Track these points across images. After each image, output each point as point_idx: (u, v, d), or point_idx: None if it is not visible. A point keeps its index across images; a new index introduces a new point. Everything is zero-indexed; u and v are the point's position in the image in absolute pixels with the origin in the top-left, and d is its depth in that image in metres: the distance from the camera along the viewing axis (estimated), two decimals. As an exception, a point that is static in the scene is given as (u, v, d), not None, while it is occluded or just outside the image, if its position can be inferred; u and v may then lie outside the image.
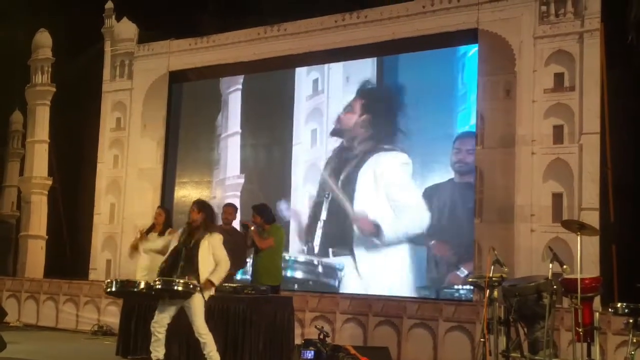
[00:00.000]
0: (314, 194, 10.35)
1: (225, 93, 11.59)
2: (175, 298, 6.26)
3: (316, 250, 10.15)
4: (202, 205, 6.61)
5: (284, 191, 10.65)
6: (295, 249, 10.34)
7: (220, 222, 7.67)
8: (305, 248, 10.27)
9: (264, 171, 11.05)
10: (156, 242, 7.15)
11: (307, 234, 10.30)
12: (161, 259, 7.50)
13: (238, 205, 10.66)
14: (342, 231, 9.97)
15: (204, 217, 6.50)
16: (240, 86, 11.43)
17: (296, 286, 10.04)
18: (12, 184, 14.86)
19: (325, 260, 10.05)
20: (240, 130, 11.32)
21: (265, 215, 7.94)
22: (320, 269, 10.05)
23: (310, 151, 10.59)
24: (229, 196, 11.10)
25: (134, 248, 7.75)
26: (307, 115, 10.70)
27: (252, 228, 7.76)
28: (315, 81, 10.72)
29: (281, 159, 10.83)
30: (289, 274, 10.10)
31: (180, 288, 6.10)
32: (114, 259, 11.80)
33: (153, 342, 6.38)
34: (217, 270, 6.37)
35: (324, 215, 10.12)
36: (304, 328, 8.75)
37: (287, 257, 10.01)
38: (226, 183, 11.36)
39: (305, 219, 10.39)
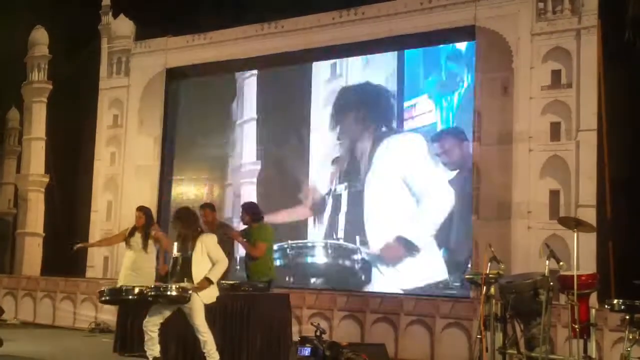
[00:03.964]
0: (333, 180, 10.32)
1: (240, 79, 11.54)
2: (171, 303, 6.28)
3: (337, 237, 10.16)
4: (179, 217, 6.58)
5: (302, 177, 10.65)
6: (315, 237, 10.36)
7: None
8: (324, 235, 10.28)
9: (281, 157, 11.00)
10: None
11: (329, 221, 10.27)
12: (144, 258, 7.58)
13: (254, 192, 10.72)
14: (361, 219, 9.96)
15: (186, 225, 6.49)
16: (256, 72, 11.38)
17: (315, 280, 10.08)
18: (9, 182, 14.84)
19: (346, 246, 10.03)
20: (256, 116, 11.26)
21: (253, 214, 7.89)
22: (340, 257, 10.06)
23: (329, 135, 10.53)
24: (245, 182, 11.15)
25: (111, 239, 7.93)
26: (325, 99, 10.65)
27: (241, 239, 7.67)
28: (334, 65, 10.68)
29: (299, 144, 10.76)
30: (309, 260, 10.26)
31: (173, 293, 6.12)
32: (111, 256, 11.79)
33: (146, 340, 6.39)
34: (213, 268, 6.37)
35: (344, 202, 10.10)
36: (301, 325, 8.74)
37: (308, 244, 10.21)
38: (242, 170, 11.32)
39: (324, 205, 10.34)
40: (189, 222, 6.51)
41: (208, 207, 8.01)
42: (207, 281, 6.32)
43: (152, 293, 6.12)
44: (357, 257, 9.88)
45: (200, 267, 6.35)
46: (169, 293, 6.11)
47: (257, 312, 7.17)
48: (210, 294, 6.43)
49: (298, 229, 10.53)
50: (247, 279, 7.80)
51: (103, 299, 6.40)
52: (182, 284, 6.22)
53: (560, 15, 8.64)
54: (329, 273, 10.13)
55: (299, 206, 10.59)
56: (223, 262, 6.44)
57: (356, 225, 9.95)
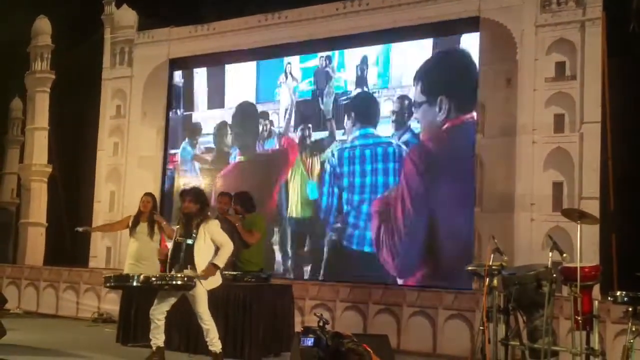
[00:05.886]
0: (334, 172, 10.29)
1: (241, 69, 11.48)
2: (176, 290, 6.30)
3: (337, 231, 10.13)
4: (196, 195, 6.60)
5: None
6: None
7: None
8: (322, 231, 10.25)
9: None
10: None
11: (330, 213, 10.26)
12: (148, 248, 7.58)
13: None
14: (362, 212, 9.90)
15: (199, 206, 6.50)
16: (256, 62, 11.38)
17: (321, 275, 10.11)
18: (12, 171, 14.87)
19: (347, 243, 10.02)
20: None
21: (245, 204, 7.91)
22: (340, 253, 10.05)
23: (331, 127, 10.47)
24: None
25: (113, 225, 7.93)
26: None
27: (238, 224, 7.71)
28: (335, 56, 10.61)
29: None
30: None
31: (178, 282, 6.14)
32: (114, 247, 11.81)
33: (153, 329, 6.42)
34: (220, 254, 6.39)
35: (345, 195, 10.09)
36: (304, 316, 8.76)
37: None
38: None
39: (323, 198, 10.33)
40: (204, 206, 6.53)
41: (227, 195, 8.19)
42: (213, 267, 6.34)
43: (158, 282, 6.14)
44: (357, 252, 9.88)
45: (202, 254, 6.37)
46: (174, 282, 6.14)
47: (260, 302, 7.19)
48: (213, 280, 6.44)
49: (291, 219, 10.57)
50: (235, 265, 7.82)
51: (108, 284, 6.43)
52: (187, 273, 6.24)
53: (565, 7, 8.61)
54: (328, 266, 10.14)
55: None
56: (228, 246, 6.45)
57: (357, 218, 9.95)
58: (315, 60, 10.65)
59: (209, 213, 6.66)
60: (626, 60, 8.54)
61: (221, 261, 6.40)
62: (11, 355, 6.94)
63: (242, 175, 11.06)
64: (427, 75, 9.62)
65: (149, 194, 7.94)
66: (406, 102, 9.76)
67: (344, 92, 10.33)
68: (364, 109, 10.10)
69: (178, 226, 6.62)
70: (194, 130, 11.71)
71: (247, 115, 11.17)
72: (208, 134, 11.57)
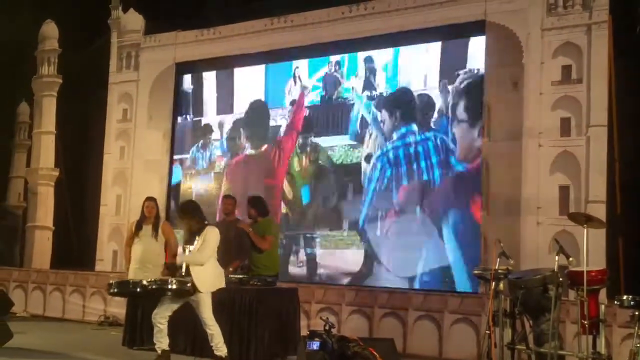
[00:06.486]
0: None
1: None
2: (177, 296, 6.32)
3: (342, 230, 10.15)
4: (186, 211, 6.66)
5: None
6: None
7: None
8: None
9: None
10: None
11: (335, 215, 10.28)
12: (152, 252, 7.57)
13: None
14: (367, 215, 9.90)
15: (193, 219, 6.54)
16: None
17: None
18: (19, 175, 14.93)
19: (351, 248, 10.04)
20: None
21: (259, 208, 7.92)
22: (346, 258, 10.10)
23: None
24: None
25: (129, 245, 7.82)
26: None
27: (250, 230, 7.73)
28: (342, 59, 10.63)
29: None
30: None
31: (174, 286, 6.16)
32: (120, 250, 11.79)
33: (155, 333, 6.44)
34: (193, 253, 6.37)
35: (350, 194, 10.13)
36: (310, 319, 8.76)
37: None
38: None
39: (330, 199, 10.35)
40: (200, 216, 6.56)
41: (231, 198, 8.34)
42: (175, 257, 6.37)
43: (155, 286, 6.18)
44: (363, 256, 9.88)
45: None
46: (169, 286, 6.17)
47: (266, 306, 7.19)
48: (210, 282, 6.43)
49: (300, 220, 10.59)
50: (250, 270, 7.82)
51: (112, 291, 6.47)
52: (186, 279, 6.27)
53: (571, 10, 8.60)
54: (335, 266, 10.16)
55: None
56: (202, 256, 6.38)
57: (362, 221, 9.95)
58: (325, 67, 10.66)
59: (205, 222, 6.66)
60: (633, 63, 8.52)
61: (189, 259, 6.36)
62: (17, 359, 6.97)
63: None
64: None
65: (152, 199, 7.91)
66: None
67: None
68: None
69: (184, 235, 6.68)
70: (203, 135, 11.75)
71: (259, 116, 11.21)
72: (216, 140, 11.60)
